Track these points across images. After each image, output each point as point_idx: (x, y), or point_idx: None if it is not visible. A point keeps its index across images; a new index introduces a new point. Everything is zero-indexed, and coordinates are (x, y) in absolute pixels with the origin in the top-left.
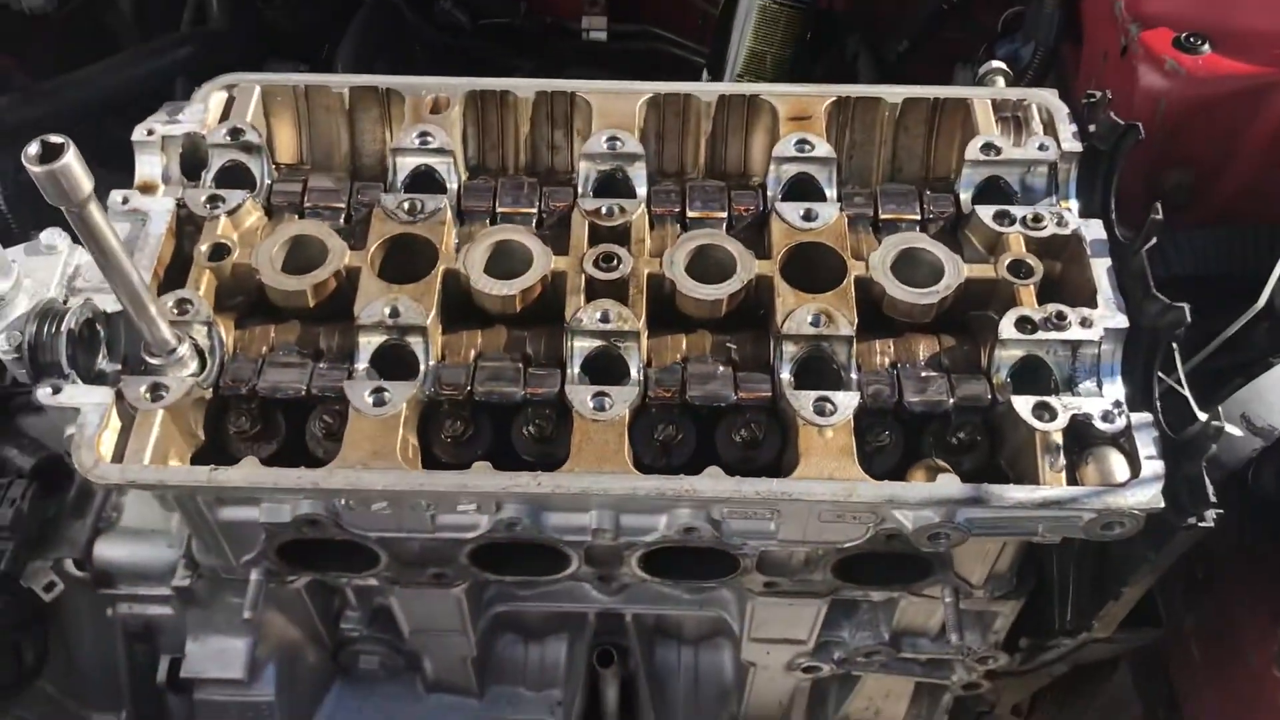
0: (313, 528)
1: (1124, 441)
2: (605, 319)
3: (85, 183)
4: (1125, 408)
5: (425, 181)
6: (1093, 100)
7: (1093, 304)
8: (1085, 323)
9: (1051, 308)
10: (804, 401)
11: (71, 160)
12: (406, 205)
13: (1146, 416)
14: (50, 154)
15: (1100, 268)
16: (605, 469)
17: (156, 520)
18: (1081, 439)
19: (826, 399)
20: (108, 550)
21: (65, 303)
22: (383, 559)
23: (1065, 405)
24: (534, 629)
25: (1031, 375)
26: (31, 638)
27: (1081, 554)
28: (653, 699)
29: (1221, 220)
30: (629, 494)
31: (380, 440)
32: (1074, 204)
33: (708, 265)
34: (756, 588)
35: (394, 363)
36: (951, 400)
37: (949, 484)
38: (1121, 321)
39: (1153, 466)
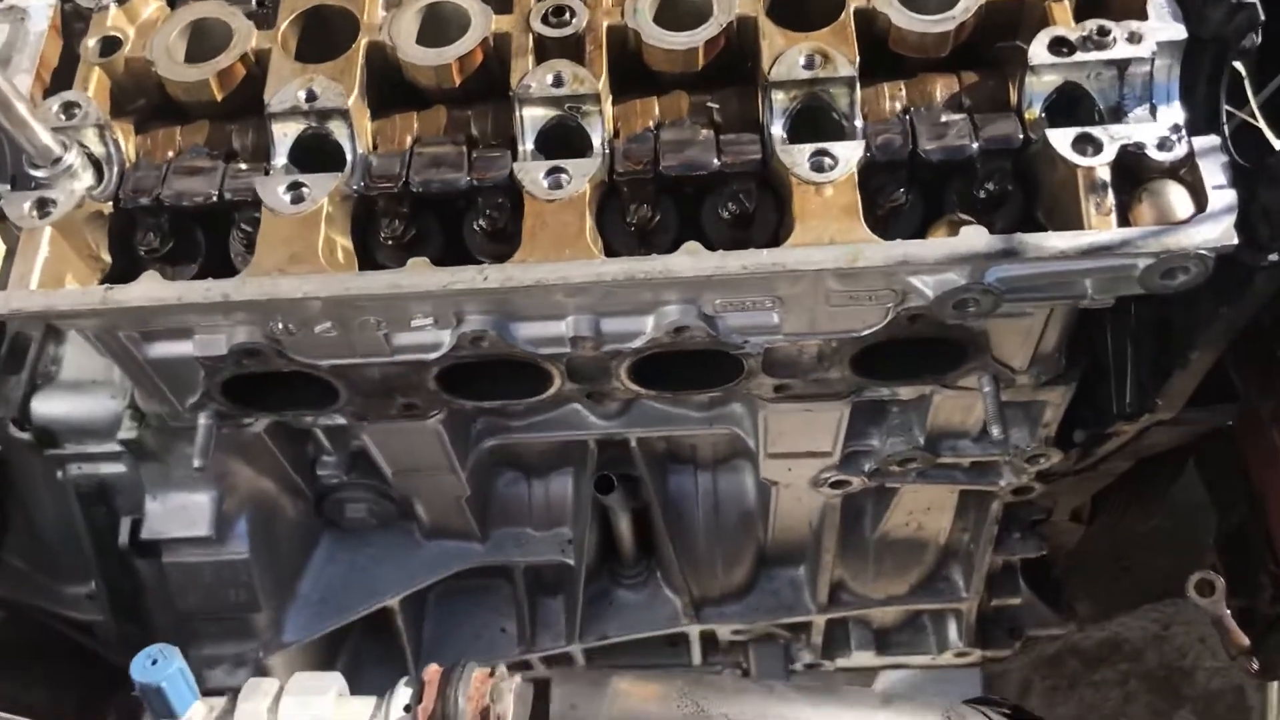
0: (254, 359)
1: (1185, 172)
2: (558, 82)
3: None
4: (1185, 132)
5: None
6: None
7: (1142, 14)
8: (1133, 38)
9: (1092, 24)
10: (797, 157)
11: None
12: None
13: (1213, 140)
14: None
15: None
16: (564, 255)
17: (98, 370)
18: (1133, 174)
19: (824, 151)
20: (47, 406)
21: None
22: (342, 391)
23: (1112, 135)
24: (534, 465)
25: (1070, 107)
26: None
27: (1140, 325)
28: (670, 529)
29: None
30: (592, 281)
31: (299, 241)
32: None
33: (679, 10)
34: (766, 393)
35: (318, 156)
36: (976, 144)
37: (975, 236)
38: (1178, 32)
39: (1222, 197)
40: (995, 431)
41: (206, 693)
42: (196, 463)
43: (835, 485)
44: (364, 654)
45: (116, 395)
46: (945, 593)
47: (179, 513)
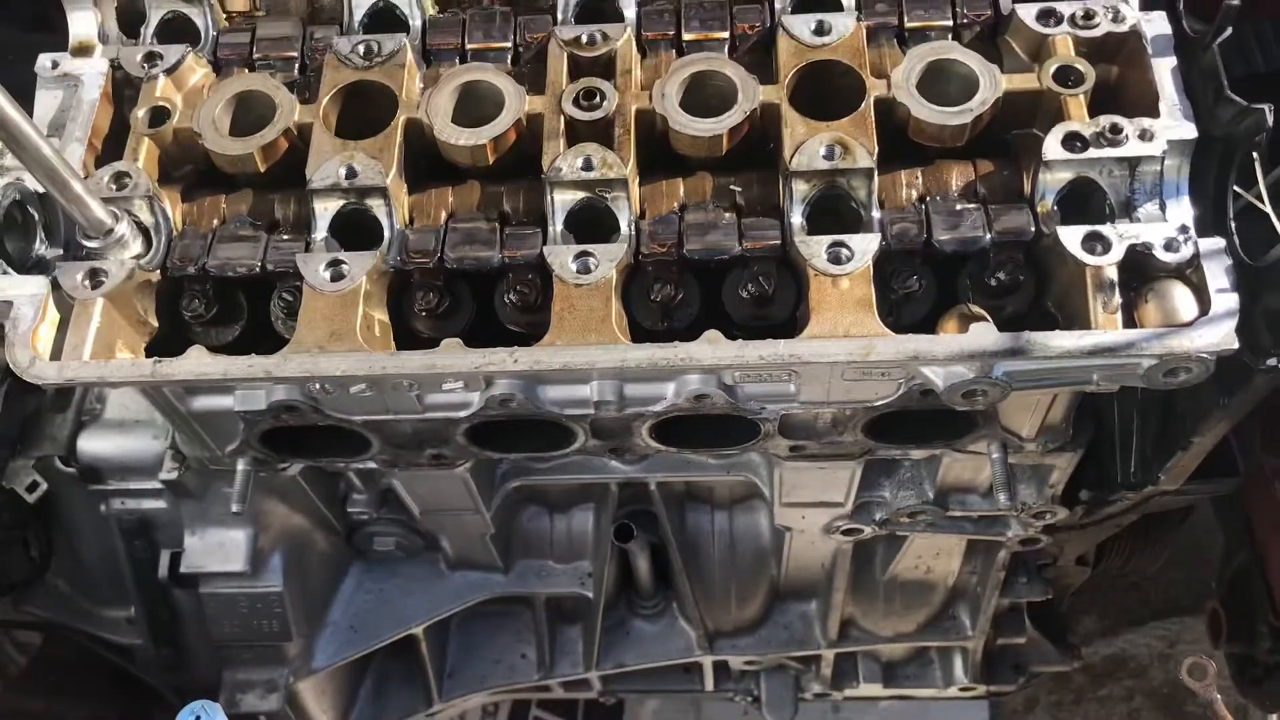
0: (292, 414)
1: (1191, 273)
2: (588, 166)
3: None
4: (1193, 232)
5: (386, 20)
6: None
7: (1154, 112)
8: (1145, 135)
9: (1105, 120)
10: (815, 248)
11: None
12: (362, 48)
13: (1218, 242)
14: None
15: (1164, 68)
16: (590, 339)
17: (141, 411)
18: (1141, 273)
19: (841, 244)
20: (92, 445)
21: None
22: (374, 443)
23: (1121, 234)
24: (557, 501)
25: (1083, 202)
26: (35, 534)
27: (1145, 400)
28: (686, 565)
29: None
30: (617, 367)
31: (338, 319)
32: None
33: (705, 96)
34: (782, 453)
35: (356, 230)
36: (989, 235)
37: (982, 334)
38: (1188, 131)
39: (1225, 301)
40: (1003, 498)
41: (237, 717)
42: (235, 508)
43: (847, 533)
44: (388, 675)
45: (159, 436)
46: (952, 631)
47: (216, 548)
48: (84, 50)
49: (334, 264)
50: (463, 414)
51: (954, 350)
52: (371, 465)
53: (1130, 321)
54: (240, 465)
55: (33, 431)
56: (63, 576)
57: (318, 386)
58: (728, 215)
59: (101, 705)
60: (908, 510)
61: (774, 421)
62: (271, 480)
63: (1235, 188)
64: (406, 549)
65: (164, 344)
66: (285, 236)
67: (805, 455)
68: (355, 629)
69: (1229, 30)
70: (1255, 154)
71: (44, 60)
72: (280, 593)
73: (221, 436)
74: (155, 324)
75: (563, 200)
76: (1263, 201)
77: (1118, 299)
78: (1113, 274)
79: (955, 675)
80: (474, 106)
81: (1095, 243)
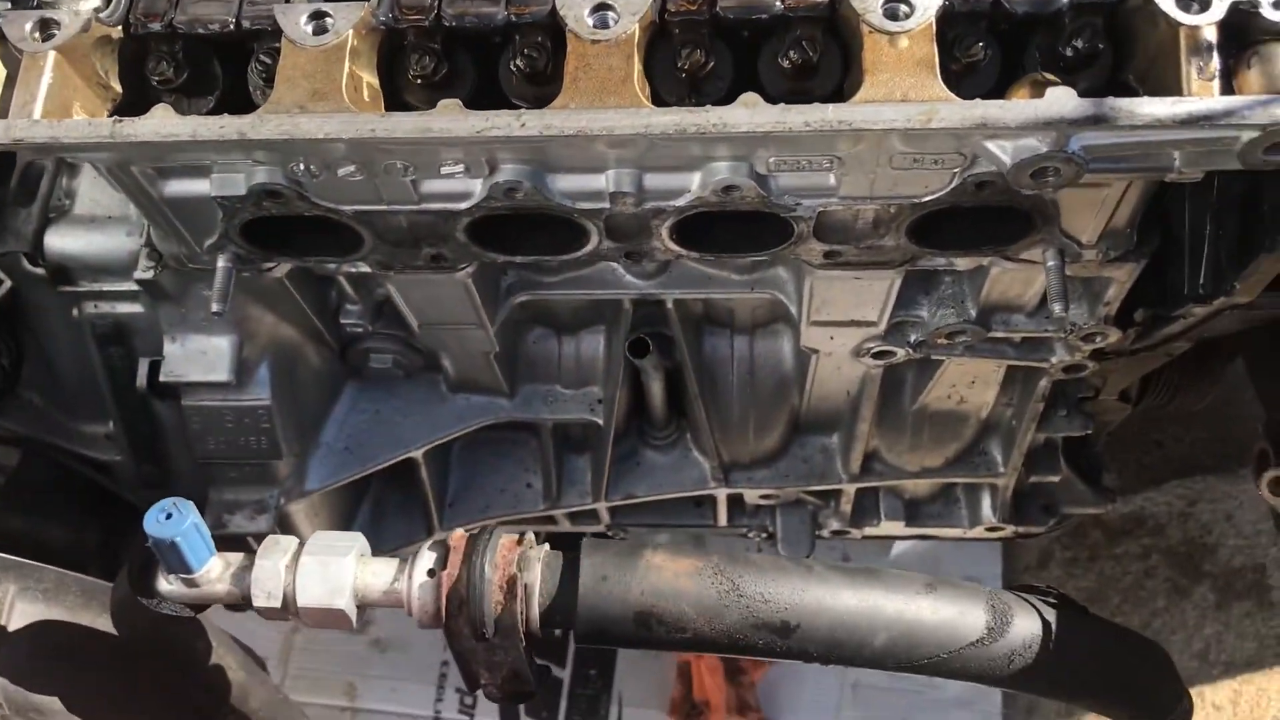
0: (274, 201)
1: None
2: None
3: None
4: None
5: None
6: None
7: None
8: None
9: None
10: (870, 3)
11: None
12: None
13: None
14: None
15: None
16: (609, 102)
17: (114, 205)
18: (1243, 35)
19: None
20: (60, 241)
21: None
22: (366, 239)
23: None
24: (565, 322)
25: None
26: (3, 341)
27: (1223, 200)
28: (703, 392)
29: None
30: (639, 133)
31: (321, 77)
32: None
33: None
34: (815, 259)
35: None
36: None
37: (1062, 98)
38: None
39: None
40: (1058, 309)
41: (226, 540)
42: (215, 307)
43: (878, 356)
44: (386, 502)
45: (133, 232)
46: (982, 467)
47: (198, 356)
48: None
49: (317, 15)
50: (463, 205)
51: (1028, 116)
52: (364, 268)
53: (1229, 91)
54: (221, 262)
55: None
56: (36, 388)
57: (302, 168)
58: None
59: (82, 524)
60: (946, 330)
61: (809, 220)
62: (256, 283)
63: None
64: (405, 367)
65: (129, 111)
66: None
67: (840, 263)
68: (350, 450)
69: None
70: None
71: None
72: (269, 406)
73: (199, 229)
74: (118, 88)
75: None
76: None
77: (1216, 63)
78: (1211, 35)
79: (982, 514)
80: None
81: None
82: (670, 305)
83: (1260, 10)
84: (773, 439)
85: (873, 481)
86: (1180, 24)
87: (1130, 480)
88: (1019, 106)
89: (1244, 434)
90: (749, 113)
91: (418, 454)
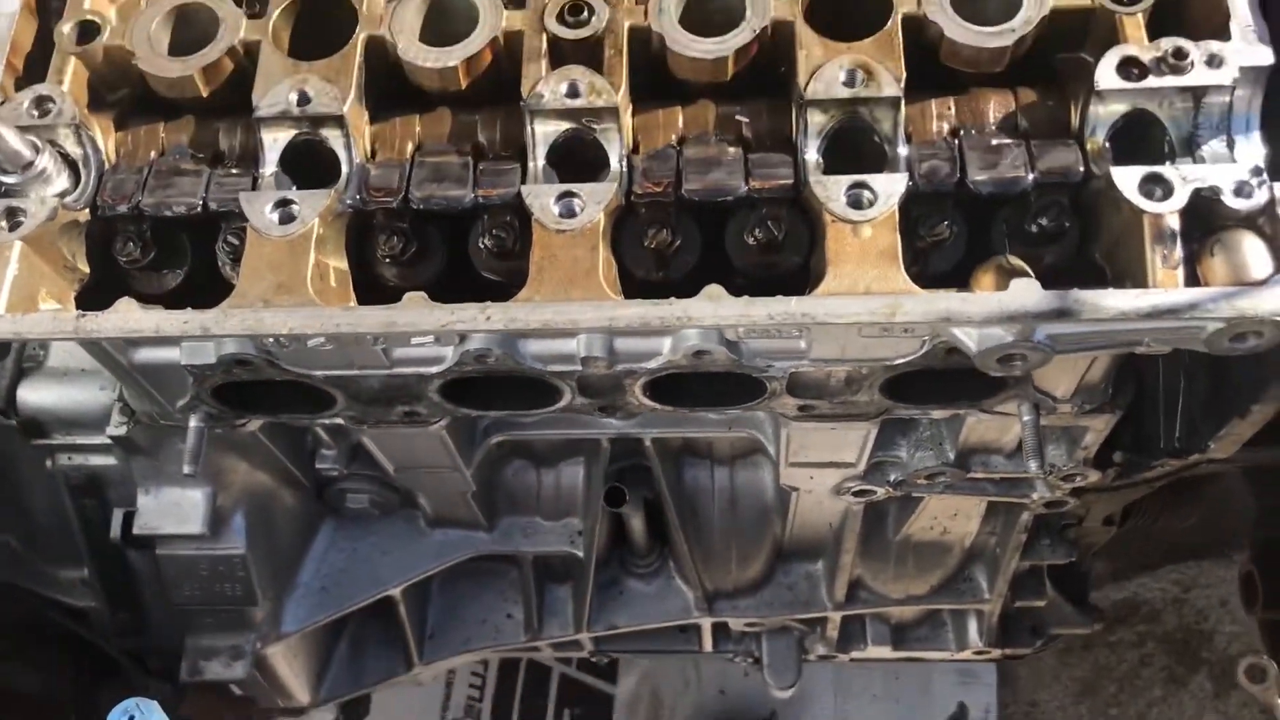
0: (245, 369)
1: (1263, 223)
2: (574, 92)
3: None
4: (1267, 175)
5: None
6: None
7: (1224, 35)
8: (1213, 61)
9: (1167, 43)
10: (833, 190)
11: None
12: None
13: None
14: None
15: None
16: (574, 294)
17: (86, 359)
18: (1206, 221)
19: (863, 185)
20: (34, 395)
21: None
22: (339, 399)
23: (1184, 176)
24: (544, 455)
25: (1139, 138)
26: None
27: (1194, 359)
28: (684, 523)
29: None
30: (604, 326)
31: (286, 269)
32: None
33: (709, 12)
34: (790, 412)
35: (310, 164)
36: (1031, 176)
37: (1025, 291)
38: (1264, 56)
39: None
40: (1033, 465)
41: (203, 686)
42: (186, 469)
43: (859, 494)
44: (365, 637)
45: (106, 386)
46: (968, 594)
47: (172, 508)
48: None
49: (282, 204)
50: (435, 369)
51: (992, 310)
52: (339, 421)
53: (1193, 277)
54: (193, 422)
55: None
56: (12, 533)
57: (270, 340)
58: (732, 150)
59: (55, 673)
60: (925, 472)
61: (781, 380)
62: (230, 436)
63: None
64: (381, 506)
65: (98, 290)
66: (231, 170)
67: (815, 415)
68: (328, 590)
69: None
70: None
71: None
72: (243, 555)
73: (170, 391)
74: (86, 269)
75: (544, 131)
76: None
77: (1179, 251)
78: (1174, 222)
79: (969, 638)
80: (444, 23)
81: (1154, 186)
82: (649, 443)
83: (1222, 198)
84: (756, 567)
85: (858, 609)
86: (1143, 211)
87: (1124, 566)
88: (982, 300)
89: (1236, 519)
90: (713, 306)
91: (396, 591)
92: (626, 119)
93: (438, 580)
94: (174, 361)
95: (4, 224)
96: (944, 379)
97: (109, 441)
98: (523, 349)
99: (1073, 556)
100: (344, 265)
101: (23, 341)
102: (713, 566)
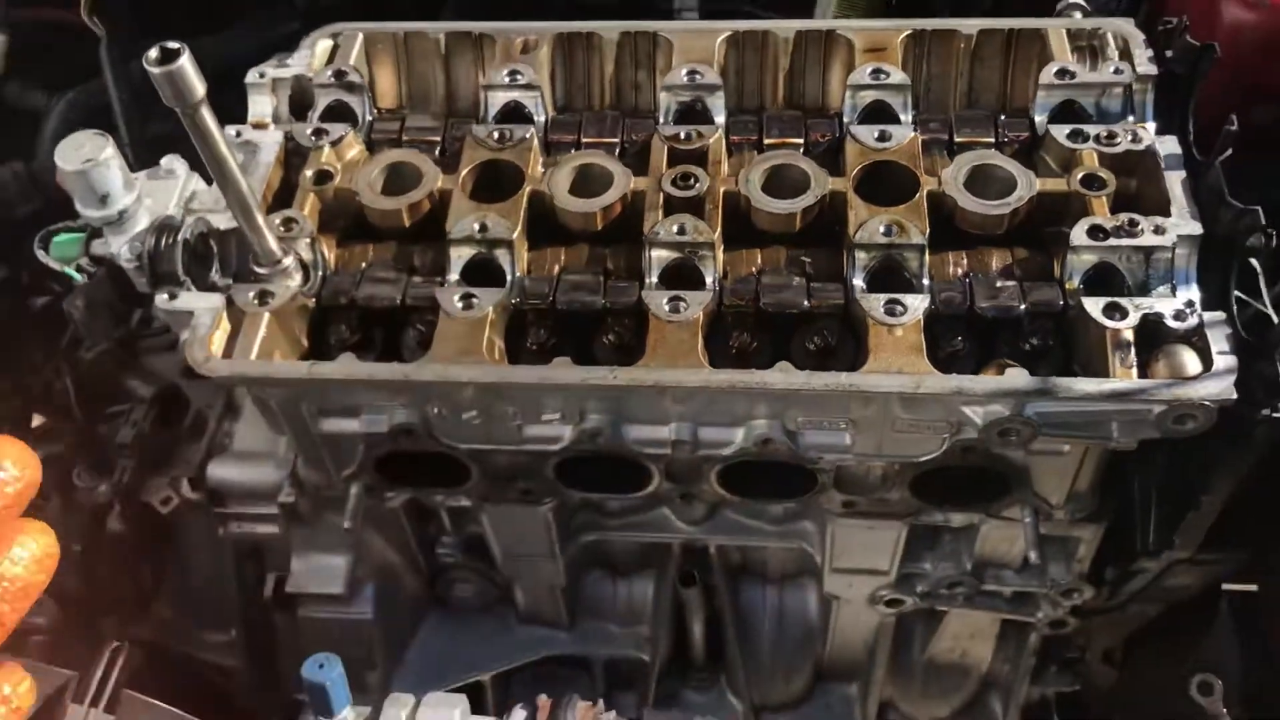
0: (408, 438)
1: (1196, 339)
2: (682, 231)
3: (198, 86)
4: (1198, 307)
5: (515, 116)
6: (1169, 26)
7: (1166, 213)
8: (1158, 229)
9: (1124, 216)
10: (874, 303)
11: (186, 64)
12: (496, 134)
13: (1219, 315)
14: (167, 57)
15: (1175, 180)
16: (679, 364)
17: (264, 444)
18: (1153, 339)
19: (896, 300)
20: (220, 470)
21: (182, 220)
22: (473, 473)
23: (1137, 305)
24: (621, 565)
25: (1104, 282)
26: (150, 558)
27: (1164, 470)
28: (738, 637)
29: None
30: (701, 386)
31: (467, 340)
32: (1150, 125)
33: (783, 183)
34: (835, 508)
35: (483, 275)
36: (1023, 305)
37: (1017, 376)
38: (1195, 228)
39: (1225, 361)
40: (1033, 556)
41: None
42: (347, 524)
43: (890, 604)
44: None
45: (280, 466)
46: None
47: (319, 571)
48: (259, 126)
49: (467, 296)
50: (555, 447)
51: (992, 388)
52: (465, 501)
53: (1144, 377)
54: (354, 489)
55: (168, 457)
56: (167, 600)
57: (435, 410)
58: (798, 279)
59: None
60: (947, 581)
61: (830, 473)
62: (374, 511)
63: (1241, 295)
64: (482, 598)
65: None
66: (421, 279)
67: (856, 511)
68: (427, 671)
69: (1229, 150)
70: (1256, 259)
71: (229, 130)
72: (370, 620)
73: (341, 460)
74: (306, 344)
75: (658, 257)
76: (1266, 307)
77: (1133, 357)
78: (1129, 336)
79: None
80: (588, 183)
81: (1114, 311)
82: (713, 551)
83: (1165, 321)
84: (800, 683)
85: None
86: (1105, 327)
87: None
88: (985, 381)
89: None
90: (783, 376)
91: (486, 678)
92: (719, 254)
93: (517, 681)
94: (352, 431)
95: (257, 301)
96: (959, 482)
97: (274, 511)
98: (626, 432)
99: (1076, 685)
100: (504, 346)
101: (265, 383)
102: (761, 680)
